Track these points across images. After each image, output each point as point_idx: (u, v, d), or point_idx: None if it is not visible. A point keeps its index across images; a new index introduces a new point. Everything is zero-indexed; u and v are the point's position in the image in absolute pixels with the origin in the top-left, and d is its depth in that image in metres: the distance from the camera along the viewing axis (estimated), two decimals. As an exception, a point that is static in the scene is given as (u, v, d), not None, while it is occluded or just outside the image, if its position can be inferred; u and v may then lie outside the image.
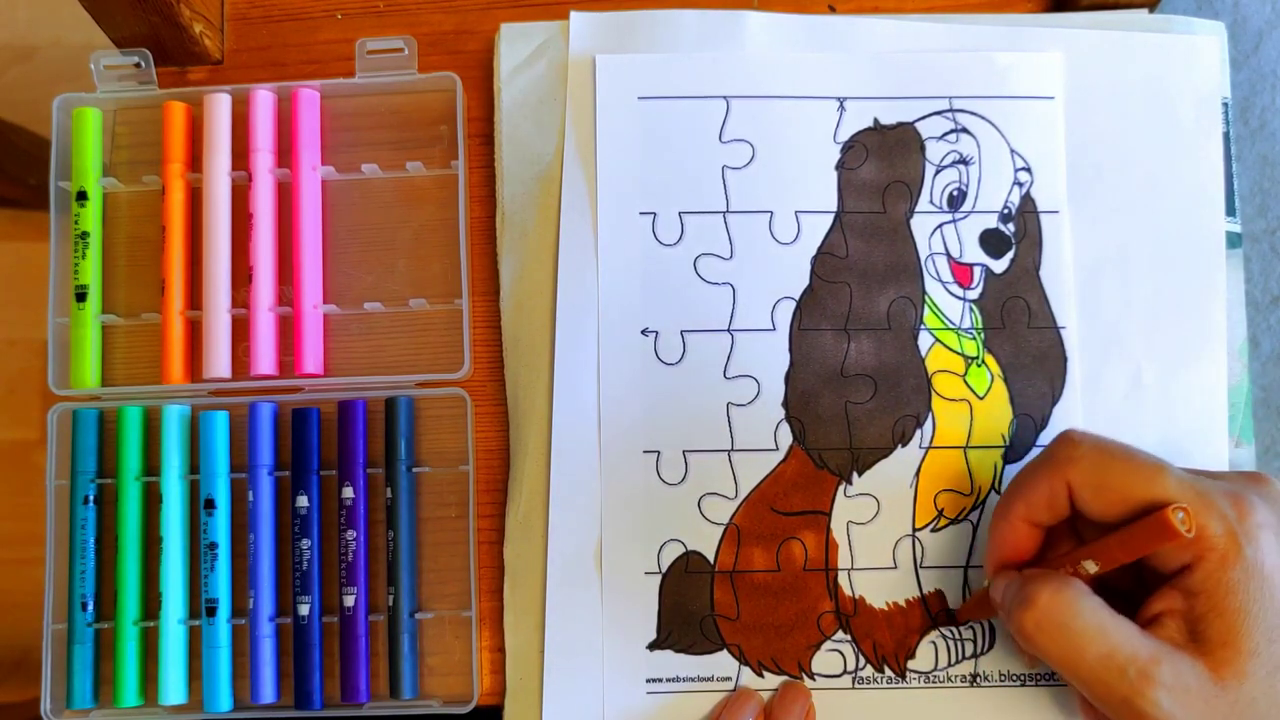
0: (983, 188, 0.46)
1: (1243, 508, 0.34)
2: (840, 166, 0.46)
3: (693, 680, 0.44)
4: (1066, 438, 0.37)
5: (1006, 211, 0.46)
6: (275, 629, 0.45)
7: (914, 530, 0.44)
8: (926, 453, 0.45)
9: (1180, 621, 0.35)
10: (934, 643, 0.44)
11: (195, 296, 0.47)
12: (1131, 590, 0.38)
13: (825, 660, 0.44)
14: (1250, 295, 0.50)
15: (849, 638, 0.44)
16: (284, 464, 0.46)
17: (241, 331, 0.46)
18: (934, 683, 0.44)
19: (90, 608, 0.45)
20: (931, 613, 0.44)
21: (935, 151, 0.46)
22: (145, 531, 0.45)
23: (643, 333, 0.46)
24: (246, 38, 0.50)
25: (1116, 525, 0.36)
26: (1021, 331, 0.46)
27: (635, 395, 0.45)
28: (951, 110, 0.47)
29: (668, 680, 0.44)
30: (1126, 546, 0.35)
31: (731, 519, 0.45)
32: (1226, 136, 0.47)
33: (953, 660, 0.44)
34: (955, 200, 0.46)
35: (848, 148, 0.47)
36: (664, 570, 0.44)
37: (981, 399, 0.45)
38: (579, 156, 0.47)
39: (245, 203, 0.46)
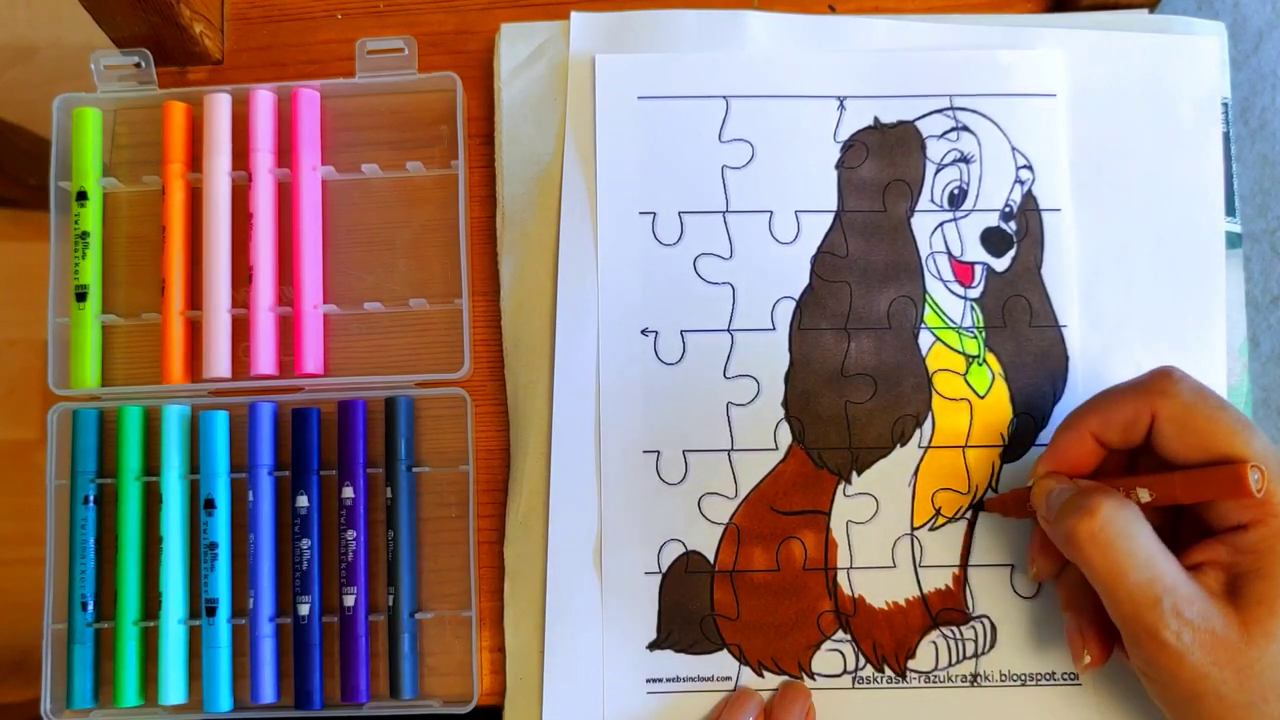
0: (984, 186, 0.46)
1: None
2: (840, 165, 0.46)
3: (693, 680, 0.44)
4: (1166, 372, 0.37)
5: (1008, 210, 0.46)
6: (275, 629, 0.45)
7: (912, 529, 0.44)
8: (925, 452, 0.45)
9: (1222, 574, 0.36)
10: (934, 643, 0.44)
11: (195, 296, 0.47)
12: (1167, 536, 0.38)
13: (825, 660, 0.44)
14: (1250, 295, 0.50)
15: (849, 637, 0.44)
16: (284, 464, 0.46)
17: (241, 331, 0.46)
18: (934, 683, 0.44)
19: (90, 608, 0.45)
20: (932, 612, 0.44)
21: (936, 150, 0.46)
22: (145, 531, 0.45)
23: (643, 333, 0.46)
24: (246, 38, 0.50)
25: (1184, 467, 0.36)
26: (1023, 330, 0.46)
27: (635, 395, 0.45)
28: (952, 108, 0.47)
29: (668, 680, 0.44)
30: (1191, 487, 0.36)
31: (731, 519, 0.45)
32: (1226, 136, 0.47)
33: (953, 660, 0.44)
34: (956, 199, 0.46)
35: (848, 146, 0.46)
36: (664, 570, 0.44)
37: (982, 398, 0.45)
38: (579, 156, 0.47)
39: (245, 203, 0.46)
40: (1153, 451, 0.38)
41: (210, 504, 0.45)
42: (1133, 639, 0.36)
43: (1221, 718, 0.35)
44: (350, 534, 0.45)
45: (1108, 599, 0.36)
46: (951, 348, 0.46)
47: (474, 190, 0.48)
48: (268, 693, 0.44)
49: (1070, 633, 0.40)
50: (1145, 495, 0.37)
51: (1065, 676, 0.44)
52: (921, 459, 0.45)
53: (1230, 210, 0.47)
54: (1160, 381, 0.37)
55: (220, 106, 0.47)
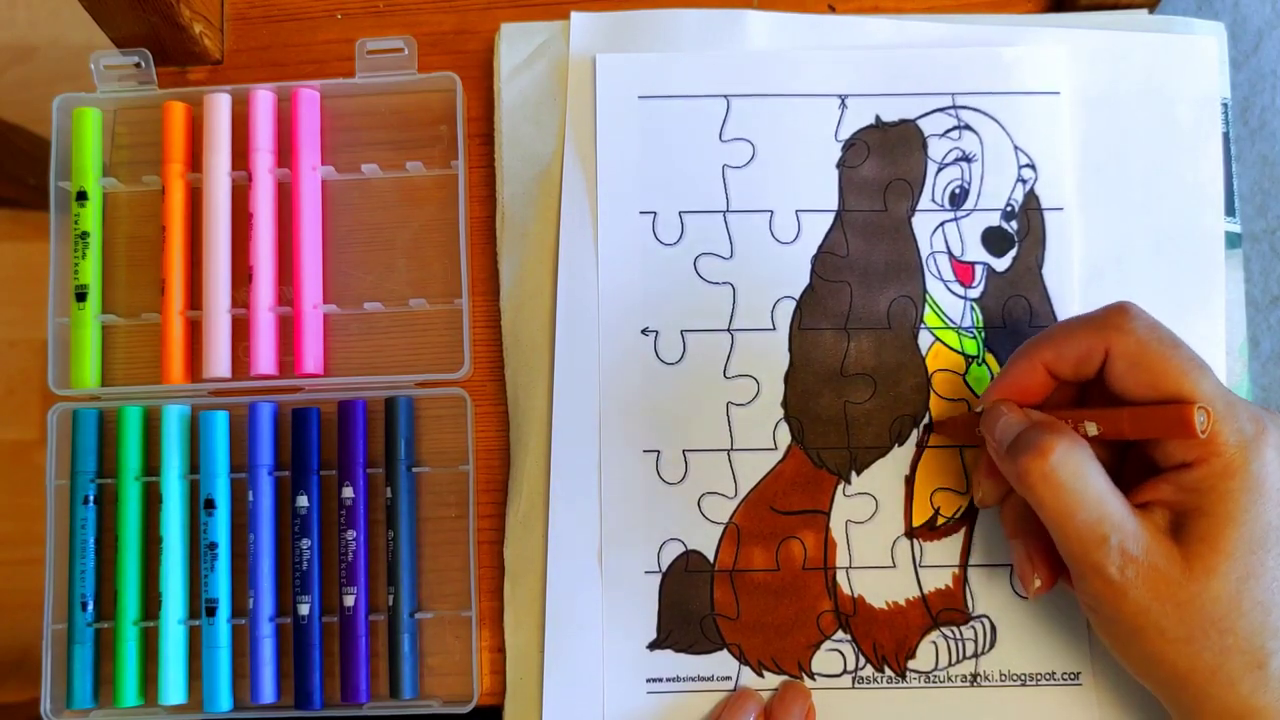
0: (985, 185, 0.46)
1: (1260, 427, 0.35)
2: (841, 164, 0.46)
3: (693, 680, 0.44)
4: (1122, 307, 0.37)
5: (1009, 209, 0.46)
6: (275, 629, 0.45)
7: (911, 529, 0.44)
8: (924, 451, 0.45)
9: (1167, 512, 0.36)
10: (934, 643, 0.44)
11: (195, 296, 0.47)
12: (1115, 470, 0.39)
13: (825, 660, 0.44)
14: (1250, 295, 0.50)
15: (849, 637, 0.44)
16: (284, 464, 0.46)
17: (241, 331, 0.46)
18: (934, 683, 0.44)
19: (90, 608, 0.45)
20: (932, 612, 0.44)
21: (937, 149, 0.46)
22: (145, 531, 0.45)
23: (643, 332, 0.46)
24: (246, 38, 0.50)
25: (1133, 403, 0.36)
26: (1023, 330, 0.46)
27: (635, 395, 0.45)
28: (954, 107, 0.47)
29: (668, 680, 0.44)
30: (1138, 424, 0.36)
31: (731, 518, 0.45)
32: (1226, 136, 0.47)
33: (953, 660, 0.44)
34: (957, 198, 0.46)
35: (849, 145, 0.46)
36: (664, 569, 0.44)
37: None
38: (579, 156, 0.47)
39: (245, 203, 0.46)
40: (1104, 386, 0.38)
41: (210, 504, 0.45)
42: (1079, 574, 0.36)
43: (1161, 651, 0.35)
44: (350, 534, 0.45)
45: (1056, 535, 0.36)
46: (951, 348, 0.46)
47: (474, 190, 0.48)
48: (268, 693, 0.44)
49: (1018, 559, 0.40)
50: (1093, 429, 0.37)
51: (1065, 676, 0.44)
52: (920, 459, 0.45)
53: (1230, 210, 0.47)
54: (1116, 316, 0.37)
55: (220, 106, 0.47)
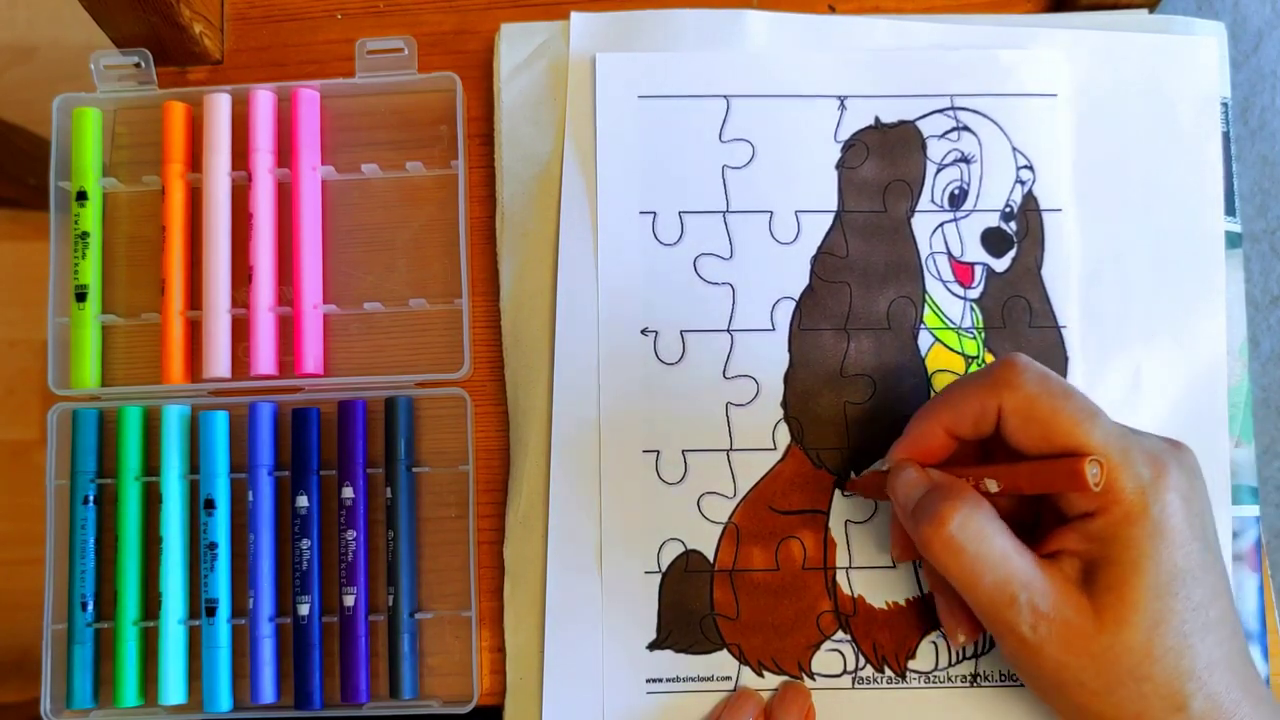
0: (984, 186, 0.46)
1: (1159, 469, 0.35)
2: (841, 165, 0.46)
3: (693, 680, 0.44)
4: (1010, 362, 0.37)
5: (1008, 210, 0.46)
6: (275, 629, 0.45)
7: (914, 530, 0.44)
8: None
9: (1076, 561, 0.36)
10: (934, 643, 0.44)
11: (195, 296, 0.47)
12: (1027, 520, 0.39)
13: (825, 660, 0.44)
14: (1250, 295, 0.50)
15: (849, 637, 0.44)
16: (284, 464, 0.46)
17: (241, 331, 0.46)
18: (934, 683, 0.44)
19: (90, 608, 0.45)
20: (932, 612, 0.44)
21: (936, 150, 0.46)
22: (145, 531, 0.45)
23: (643, 333, 0.46)
24: (246, 38, 0.50)
25: (1031, 458, 0.36)
26: (1023, 331, 0.46)
27: (635, 395, 0.45)
28: (953, 108, 0.47)
29: (668, 680, 0.44)
30: (1034, 480, 0.36)
31: (731, 518, 0.45)
32: (1226, 136, 0.47)
33: (953, 660, 0.44)
34: (956, 199, 0.46)
35: (848, 146, 0.46)
36: (664, 569, 0.44)
37: (981, 399, 0.45)
38: (579, 156, 0.47)
39: (245, 203, 0.46)
40: (1003, 440, 0.37)
41: (210, 504, 0.45)
42: (995, 634, 0.37)
43: (1085, 703, 0.35)
44: (350, 534, 0.45)
45: (968, 598, 0.36)
46: (951, 348, 0.46)
47: (474, 190, 0.48)
48: (268, 693, 0.44)
49: (942, 613, 0.41)
50: (993, 486, 0.36)
51: (1065, 676, 0.44)
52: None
53: (1230, 210, 0.47)
54: (1005, 372, 0.37)
55: (220, 106, 0.47)
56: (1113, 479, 0.34)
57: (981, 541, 0.35)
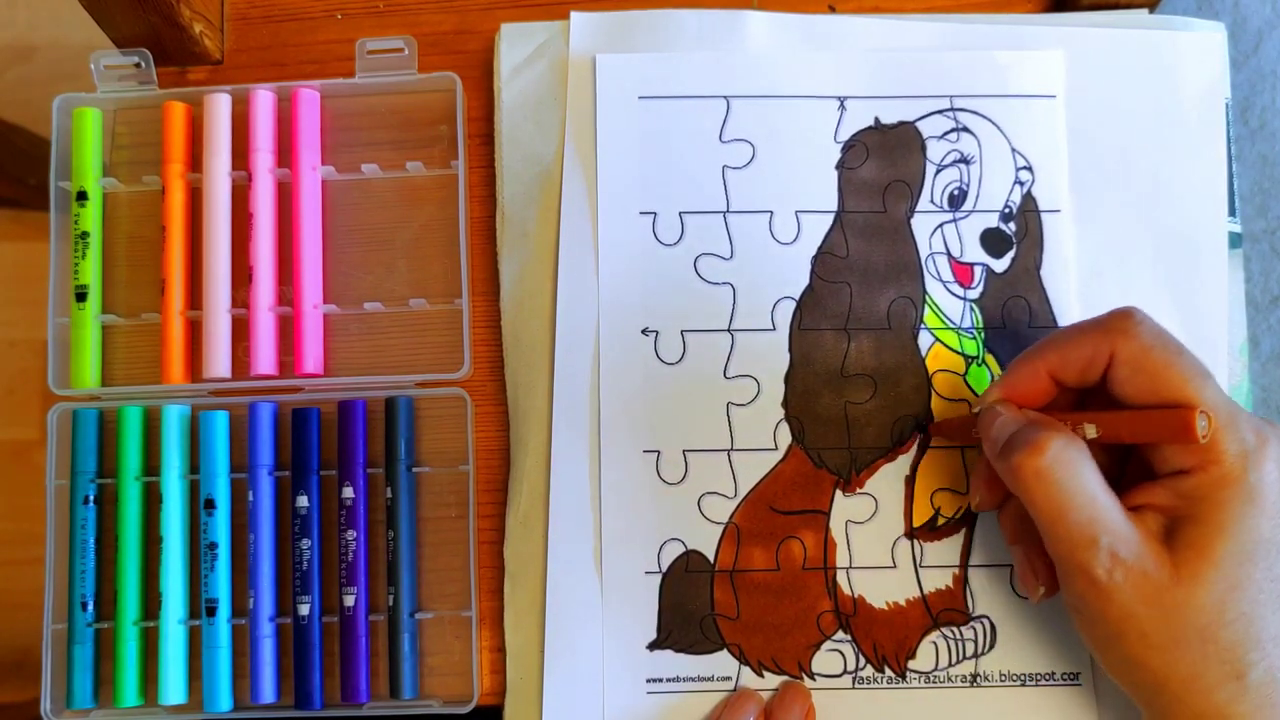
0: (984, 187, 0.46)
1: (1262, 439, 0.35)
2: (841, 166, 0.46)
3: (693, 680, 0.44)
4: (1127, 312, 0.37)
5: (1007, 210, 0.46)
6: (275, 629, 0.45)
7: (912, 530, 0.45)
8: (924, 452, 0.45)
9: (1161, 517, 0.36)
10: (934, 643, 0.44)
11: (195, 296, 0.47)
12: (1113, 474, 0.38)
13: (825, 660, 0.44)
14: (1250, 295, 0.50)
15: (849, 637, 0.44)
16: (284, 464, 0.46)
17: (241, 331, 0.46)
18: (934, 683, 0.44)
19: (90, 608, 0.45)
20: (932, 612, 0.44)
21: (936, 150, 0.46)
22: (145, 531, 0.45)
23: (643, 333, 0.46)
24: (246, 38, 0.50)
25: (1134, 408, 0.36)
26: (1022, 331, 0.46)
27: (635, 395, 0.45)
28: (953, 109, 0.47)
29: (668, 680, 0.44)
30: (1138, 428, 0.36)
31: (731, 518, 0.45)
32: (1227, 136, 0.47)
33: (953, 660, 0.44)
34: (956, 199, 0.46)
35: (848, 147, 0.47)
36: (664, 569, 0.44)
37: (982, 399, 0.45)
38: (579, 156, 0.47)
39: (245, 203, 0.46)
40: (1106, 392, 0.37)
41: (210, 504, 0.45)
42: (1066, 574, 0.36)
43: (1141, 655, 0.35)
44: (350, 534, 0.45)
45: (1046, 535, 0.36)
46: (951, 348, 0.46)
47: (474, 190, 0.48)
48: (268, 693, 0.44)
49: (1020, 565, 0.40)
50: (1092, 431, 0.36)
51: (1065, 677, 0.44)
52: (921, 459, 0.45)
53: (1230, 210, 0.47)
54: (1121, 321, 0.37)
55: (220, 106, 0.47)
56: (1216, 439, 0.35)
57: (1074, 477, 0.35)
